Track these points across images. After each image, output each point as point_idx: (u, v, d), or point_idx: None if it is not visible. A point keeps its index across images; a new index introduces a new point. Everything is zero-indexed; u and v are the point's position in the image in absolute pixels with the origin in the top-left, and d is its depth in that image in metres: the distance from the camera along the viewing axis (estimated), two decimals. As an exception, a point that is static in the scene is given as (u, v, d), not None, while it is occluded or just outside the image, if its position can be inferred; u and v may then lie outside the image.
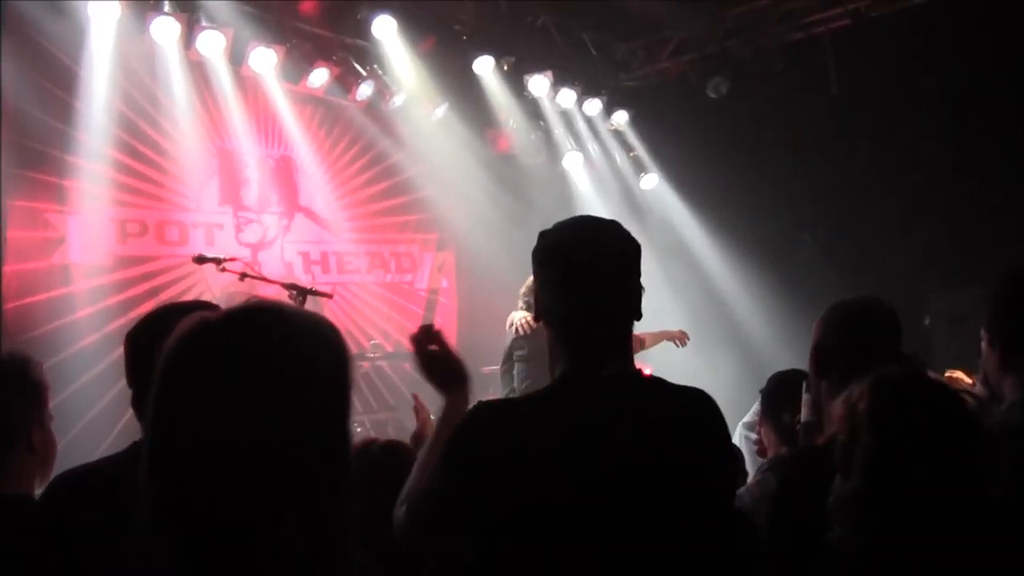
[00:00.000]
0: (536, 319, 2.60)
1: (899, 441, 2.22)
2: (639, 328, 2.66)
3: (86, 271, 8.49)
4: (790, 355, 7.00)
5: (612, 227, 2.59)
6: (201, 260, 6.02)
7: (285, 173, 10.08)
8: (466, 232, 10.85)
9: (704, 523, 2.39)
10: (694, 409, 2.52)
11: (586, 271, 2.48)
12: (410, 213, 11.03)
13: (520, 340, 7.37)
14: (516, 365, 7.44)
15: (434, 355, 2.71)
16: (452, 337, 10.96)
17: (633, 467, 2.33)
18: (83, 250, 8.54)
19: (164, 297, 8.78)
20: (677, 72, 11.08)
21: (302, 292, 5.72)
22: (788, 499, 2.79)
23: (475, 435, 2.38)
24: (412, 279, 11.00)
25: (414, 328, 2.74)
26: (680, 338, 8.14)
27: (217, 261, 5.95)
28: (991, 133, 8.86)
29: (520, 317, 7.34)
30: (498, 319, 7.85)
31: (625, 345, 2.54)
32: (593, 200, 11.32)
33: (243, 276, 6.04)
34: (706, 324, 9.83)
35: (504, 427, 2.38)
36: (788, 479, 2.95)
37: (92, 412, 7.61)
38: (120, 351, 2.69)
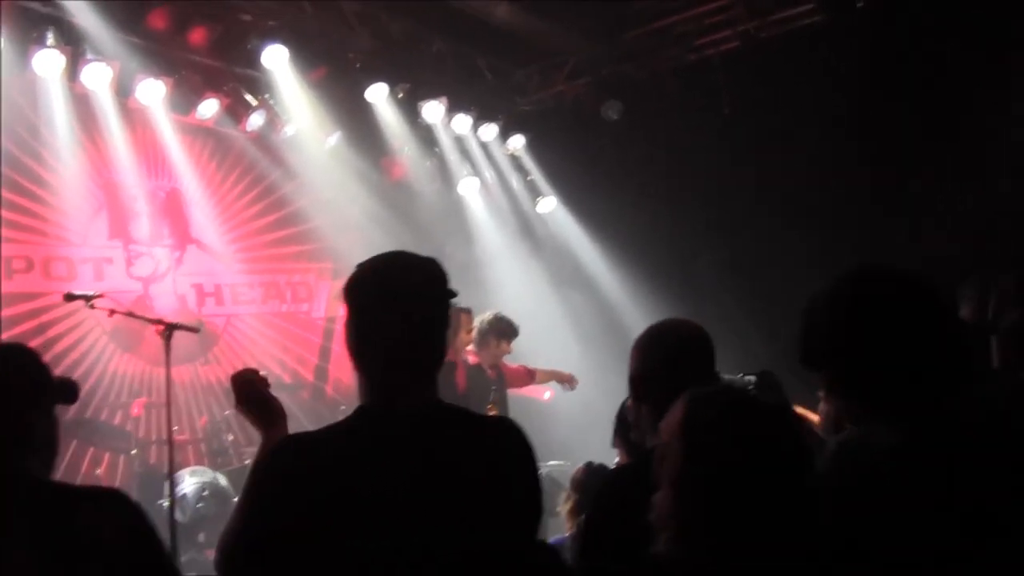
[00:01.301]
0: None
1: (706, 448, 2.24)
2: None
3: (-31, 309, 8.30)
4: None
5: (420, 264, 2.64)
6: (70, 298, 6.00)
7: (175, 205, 9.97)
8: (361, 260, 10.71)
9: (500, 548, 2.45)
10: (494, 439, 2.57)
11: (389, 307, 2.54)
12: (304, 243, 10.95)
13: None
14: None
15: (252, 395, 2.81)
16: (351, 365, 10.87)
17: (424, 496, 2.37)
18: (-35, 288, 8.36)
19: (51, 334, 8.68)
20: (573, 96, 11.13)
21: (169, 327, 5.70)
22: (599, 516, 2.86)
23: (272, 469, 2.45)
24: (309, 308, 10.87)
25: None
26: (570, 381, 8.47)
27: (86, 298, 5.93)
28: (880, 151, 9.02)
29: None
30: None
31: (429, 378, 2.58)
32: (489, 225, 11.36)
33: (112, 312, 6.01)
34: (601, 347, 9.86)
35: (299, 461, 2.42)
36: (599, 497, 3.03)
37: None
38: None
